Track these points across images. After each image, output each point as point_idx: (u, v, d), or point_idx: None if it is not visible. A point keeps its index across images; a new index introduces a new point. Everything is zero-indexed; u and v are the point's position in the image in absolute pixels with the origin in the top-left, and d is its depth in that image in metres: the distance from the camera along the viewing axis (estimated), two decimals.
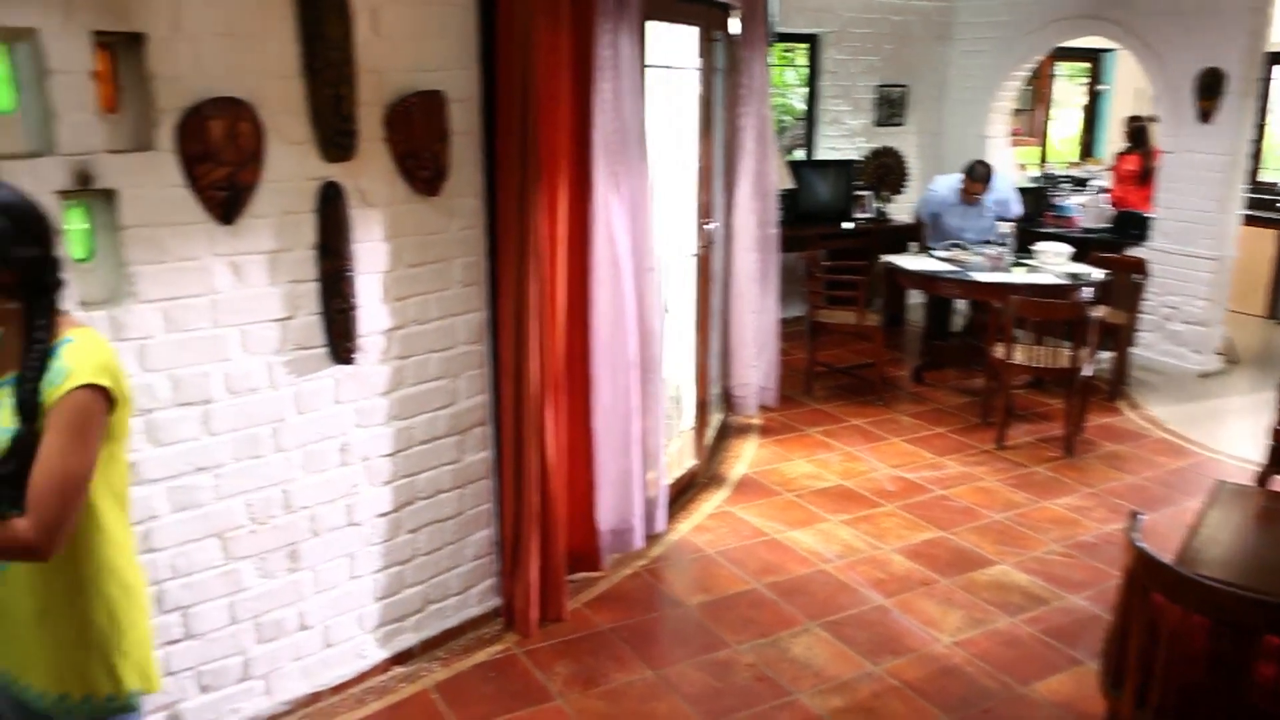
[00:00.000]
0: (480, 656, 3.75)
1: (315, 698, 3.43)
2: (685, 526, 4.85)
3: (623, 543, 4.26)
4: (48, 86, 2.57)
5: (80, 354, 1.88)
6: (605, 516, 4.16)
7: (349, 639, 3.49)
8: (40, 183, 2.58)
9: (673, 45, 4.86)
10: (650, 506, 4.43)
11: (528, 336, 3.53)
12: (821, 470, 5.58)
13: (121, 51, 2.76)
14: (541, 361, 3.61)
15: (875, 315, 6.77)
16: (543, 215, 3.50)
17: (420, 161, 3.27)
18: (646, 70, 4.05)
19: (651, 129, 4.08)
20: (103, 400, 1.88)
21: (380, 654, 3.59)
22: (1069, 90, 11.95)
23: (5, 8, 2.45)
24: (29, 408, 1.83)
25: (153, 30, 2.71)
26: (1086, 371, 5.78)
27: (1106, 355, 6.79)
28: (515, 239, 3.46)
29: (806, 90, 8.79)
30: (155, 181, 2.77)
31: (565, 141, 3.61)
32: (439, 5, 3.31)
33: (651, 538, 4.54)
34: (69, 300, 2.65)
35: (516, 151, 3.39)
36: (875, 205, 8.66)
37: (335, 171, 3.10)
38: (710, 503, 5.15)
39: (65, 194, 2.64)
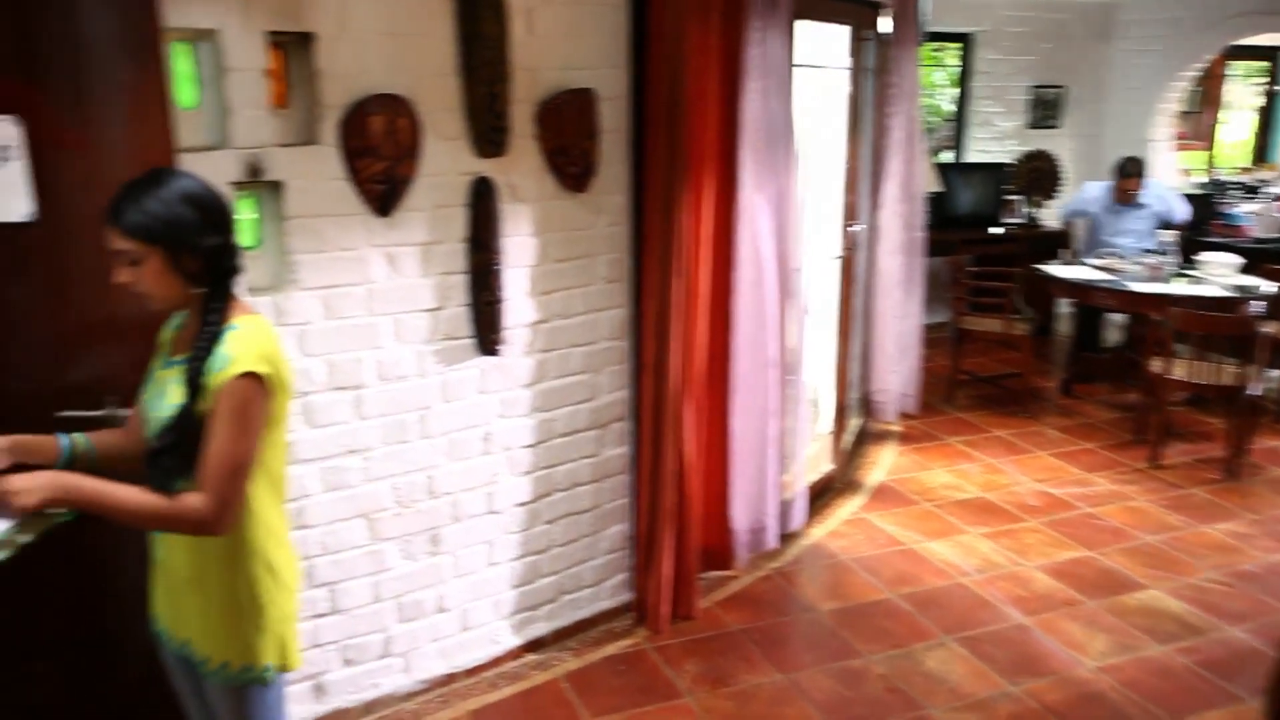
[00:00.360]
0: (611, 649, 3.78)
1: (450, 678, 3.52)
2: (820, 531, 4.79)
3: (756, 543, 4.23)
4: (226, 84, 2.72)
5: (243, 342, 1.97)
6: (739, 516, 4.14)
7: (484, 624, 3.57)
8: (216, 174, 2.72)
9: (822, 44, 4.80)
10: (785, 509, 4.39)
11: (669, 333, 3.55)
12: (962, 481, 5.43)
13: (292, 50, 2.90)
14: (682, 359, 3.62)
15: (1023, 324, 6.54)
16: (688, 213, 3.51)
17: (570, 158, 3.32)
18: (795, 70, 4.01)
19: (798, 129, 4.03)
20: (261, 387, 1.96)
21: (513, 640, 3.66)
22: (1242, 91, 11.29)
23: (191, 10, 2.60)
24: (193, 386, 1.94)
25: (322, 30, 2.83)
26: (1254, 390, 5.45)
27: (1277, 374, 6.40)
28: (660, 236, 3.48)
29: (956, 91, 8.56)
30: (319, 174, 2.89)
31: (712, 140, 3.61)
32: (592, 5, 3.35)
33: (785, 540, 4.51)
34: (240, 286, 2.82)
35: (664, 150, 3.41)
36: (1026, 210, 8.37)
37: (487, 167, 3.18)
38: (846, 508, 5.07)
39: (238, 185, 2.79)
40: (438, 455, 3.29)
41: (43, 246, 2.37)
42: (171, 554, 2.09)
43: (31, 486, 1.82)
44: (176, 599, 2.13)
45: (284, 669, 2.16)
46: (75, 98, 2.32)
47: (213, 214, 1.98)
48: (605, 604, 3.91)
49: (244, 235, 2.83)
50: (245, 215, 2.91)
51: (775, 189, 3.90)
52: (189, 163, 2.68)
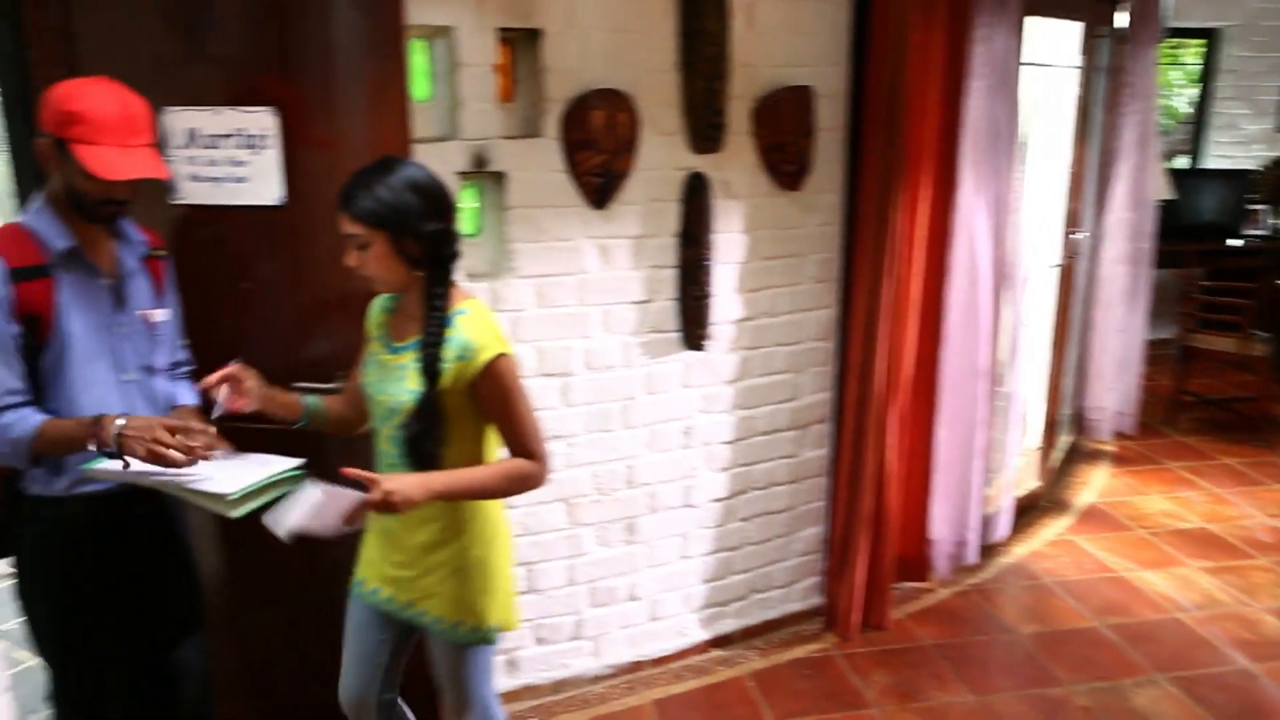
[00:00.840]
0: (798, 652, 3.74)
1: (637, 666, 3.56)
2: (1022, 550, 4.59)
3: (955, 557, 4.09)
4: (457, 78, 2.84)
5: (478, 327, 2.09)
6: (938, 528, 4.01)
7: (673, 615, 3.59)
8: (445, 164, 2.85)
9: (1052, 42, 4.57)
10: (987, 523, 4.23)
11: (877, 337, 3.47)
12: (1182, 509, 5.08)
13: (520, 46, 3.00)
14: (888, 363, 3.54)
15: (1261, 345, 6.05)
16: (903, 215, 3.42)
17: (785, 156, 3.29)
18: (1021, 68, 3.84)
19: (1022, 130, 3.86)
20: (512, 362, 2.13)
21: (701, 634, 3.67)
22: None
23: (430, 8, 2.72)
24: (432, 372, 2.06)
25: (549, 27, 2.91)
26: None
27: None
28: (873, 237, 3.41)
29: (1195, 91, 7.98)
30: (539, 166, 2.98)
31: (931, 141, 3.50)
32: (814, 1, 3.31)
33: (985, 556, 4.33)
34: (459, 272, 2.94)
35: (880, 149, 3.33)
36: (1271, 222, 7.72)
37: (702, 163, 3.19)
38: (1051, 529, 4.83)
39: (463, 175, 2.91)
40: (638, 446, 3.33)
41: (288, 230, 2.54)
42: (406, 524, 2.20)
43: (409, 492, 1.98)
44: (409, 566, 2.23)
45: (505, 629, 2.32)
46: (323, 92, 2.47)
47: (436, 202, 2.07)
48: (795, 606, 3.87)
49: (466, 223, 2.97)
50: (468, 204, 3.04)
51: (995, 192, 3.75)
52: (421, 153, 2.82)
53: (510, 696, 3.35)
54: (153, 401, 2.27)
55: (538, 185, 2.98)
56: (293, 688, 2.88)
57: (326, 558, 2.75)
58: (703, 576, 3.61)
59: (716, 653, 3.71)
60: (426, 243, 2.06)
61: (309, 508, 1.94)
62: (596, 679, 3.49)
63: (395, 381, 2.12)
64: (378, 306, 2.29)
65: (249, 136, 2.44)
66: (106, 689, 2.32)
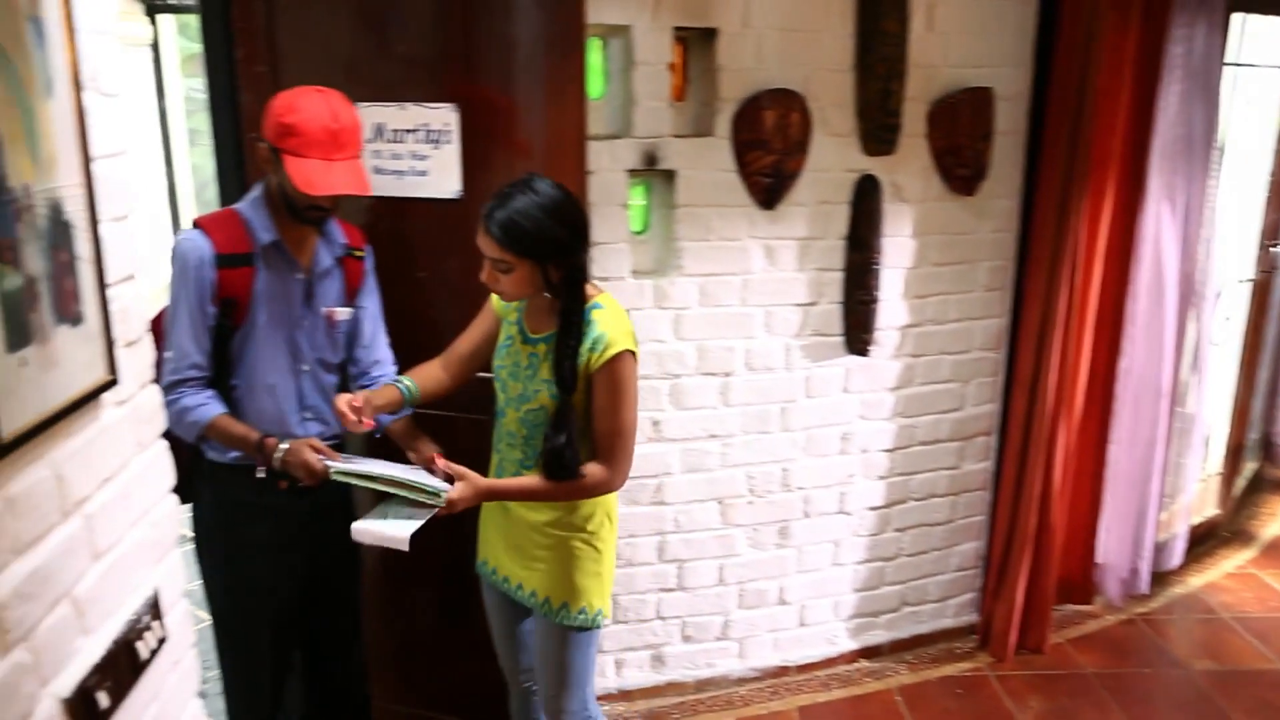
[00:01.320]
0: (949, 670, 3.64)
1: (782, 671, 3.54)
2: (1197, 581, 4.33)
3: (1122, 585, 3.91)
4: (632, 76, 2.86)
5: (611, 321, 2.12)
6: (1105, 551, 3.84)
7: (822, 623, 3.55)
8: (615, 161, 2.89)
9: (1259, 39, 4.28)
10: (1159, 551, 4.02)
11: (1050, 349, 3.34)
12: None
13: (693, 45, 3.00)
14: (1061, 376, 3.40)
15: None
16: (1083, 222, 3.27)
17: (960, 159, 3.20)
18: (1225, 69, 3.61)
19: (1220, 135, 3.64)
20: (634, 361, 2.14)
21: (849, 644, 3.62)
22: None
23: (607, 7, 2.76)
24: (569, 377, 2.09)
25: (724, 26, 2.90)
26: None
27: None
28: (1049, 246, 3.27)
29: None
30: (709, 165, 2.98)
31: (1118, 146, 3.34)
32: (999, 0, 3.19)
33: (1156, 585, 4.12)
34: (621, 270, 2.97)
35: (1063, 154, 3.19)
36: None
37: (873, 165, 3.13)
38: (1231, 560, 4.54)
39: (633, 172, 2.93)
40: (795, 449, 3.30)
41: (463, 223, 2.61)
42: (525, 505, 2.26)
43: (467, 498, 2.12)
44: (523, 545, 2.29)
45: (605, 617, 2.33)
46: (504, 89, 2.53)
47: (579, 229, 2.11)
48: (948, 622, 3.77)
49: (632, 220, 2.99)
50: (636, 201, 3.06)
51: (1186, 200, 3.55)
52: (593, 150, 2.87)
53: (654, 692, 3.38)
54: (324, 393, 2.38)
55: (706, 184, 2.98)
56: (446, 665, 2.97)
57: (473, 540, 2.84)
58: (854, 585, 3.55)
59: (864, 663, 3.64)
60: (568, 269, 2.08)
61: (391, 540, 2.13)
62: (741, 681, 3.48)
63: (529, 370, 2.17)
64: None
65: (431, 131, 2.52)
66: (261, 650, 2.46)
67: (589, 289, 2.16)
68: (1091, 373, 3.60)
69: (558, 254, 2.05)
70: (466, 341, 2.36)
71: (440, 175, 2.54)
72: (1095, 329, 3.56)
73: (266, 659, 2.47)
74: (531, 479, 2.17)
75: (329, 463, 2.19)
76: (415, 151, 2.55)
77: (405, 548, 2.11)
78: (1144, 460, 3.73)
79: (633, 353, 2.13)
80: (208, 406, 2.21)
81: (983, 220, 3.36)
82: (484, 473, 2.25)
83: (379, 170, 2.58)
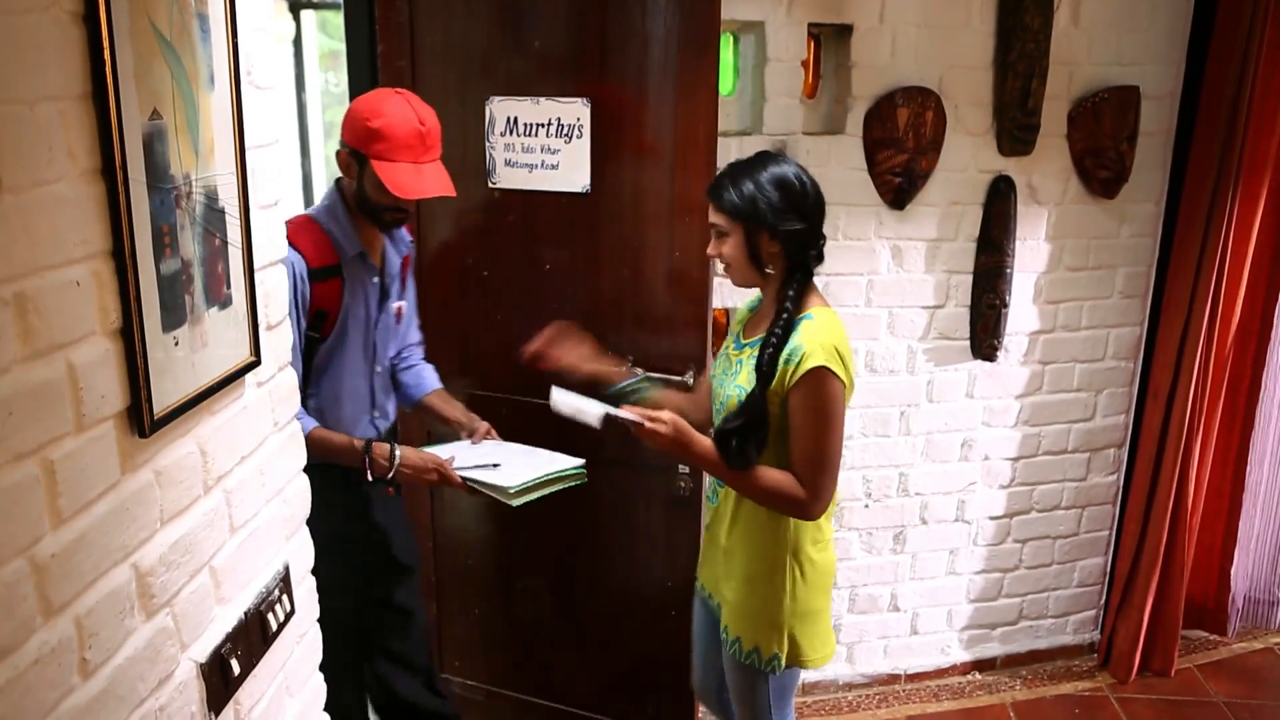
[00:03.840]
0: (1066, 688, 3.52)
1: (892, 679, 3.48)
2: None
3: (1257, 614, 3.73)
4: (763, 73, 2.84)
5: (816, 334, 1.97)
6: (1240, 577, 3.66)
7: (935, 632, 3.48)
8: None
9: None
10: None
11: (1189, 360, 3.19)
12: None
13: (826, 42, 2.96)
14: (1199, 390, 3.24)
15: None
16: (1232, 230, 3.12)
17: (1101, 161, 3.08)
18: None
19: None
20: (837, 381, 1.96)
21: (962, 655, 3.53)
22: None
23: (742, 4, 2.75)
24: (765, 372, 1.99)
25: (859, 22, 2.86)
26: None
27: None
28: (1194, 253, 3.13)
29: None
30: (839, 163, 2.94)
31: (1275, 150, 3.16)
32: None
33: None
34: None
35: (1214, 157, 3.04)
36: None
37: (1009, 165, 3.04)
38: None
39: None
40: (914, 454, 3.24)
41: (589, 216, 2.63)
42: (719, 524, 2.21)
43: (662, 428, 1.99)
44: (718, 565, 2.23)
45: (797, 664, 2.15)
46: (636, 86, 2.53)
47: (798, 200, 2.00)
48: (1066, 639, 3.65)
49: None
50: None
51: None
52: (723, 146, 2.84)
53: None
54: (386, 390, 2.42)
55: (836, 182, 2.93)
56: (556, 654, 3.00)
57: (588, 542, 2.87)
58: (970, 595, 3.47)
59: (976, 676, 3.56)
60: (783, 241, 2.00)
61: (584, 415, 2.04)
62: (849, 686, 3.44)
63: (731, 376, 2.10)
64: (745, 306, 2.30)
65: (564, 126, 2.54)
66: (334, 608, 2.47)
67: (814, 297, 2.07)
68: (1231, 387, 3.44)
69: (769, 219, 1.97)
70: (707, 371, 2.34)
71: (570, 169, 2.56)
72: (1239, 340, 3.39)
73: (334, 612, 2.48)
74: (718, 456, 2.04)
75: (460, 470, 2.20)
76: (547, 145, 2.57)
77: (598, 425, 2.01)
78: None
79: (834, 373, 1.95)
80: (304, 419, 2.16)
81: (1123, 224, 3.23)
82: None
83: (510, 163, 2.61)
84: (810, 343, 1.95)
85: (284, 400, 1.73)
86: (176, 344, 1.28)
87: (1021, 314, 3.19)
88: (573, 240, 2.66)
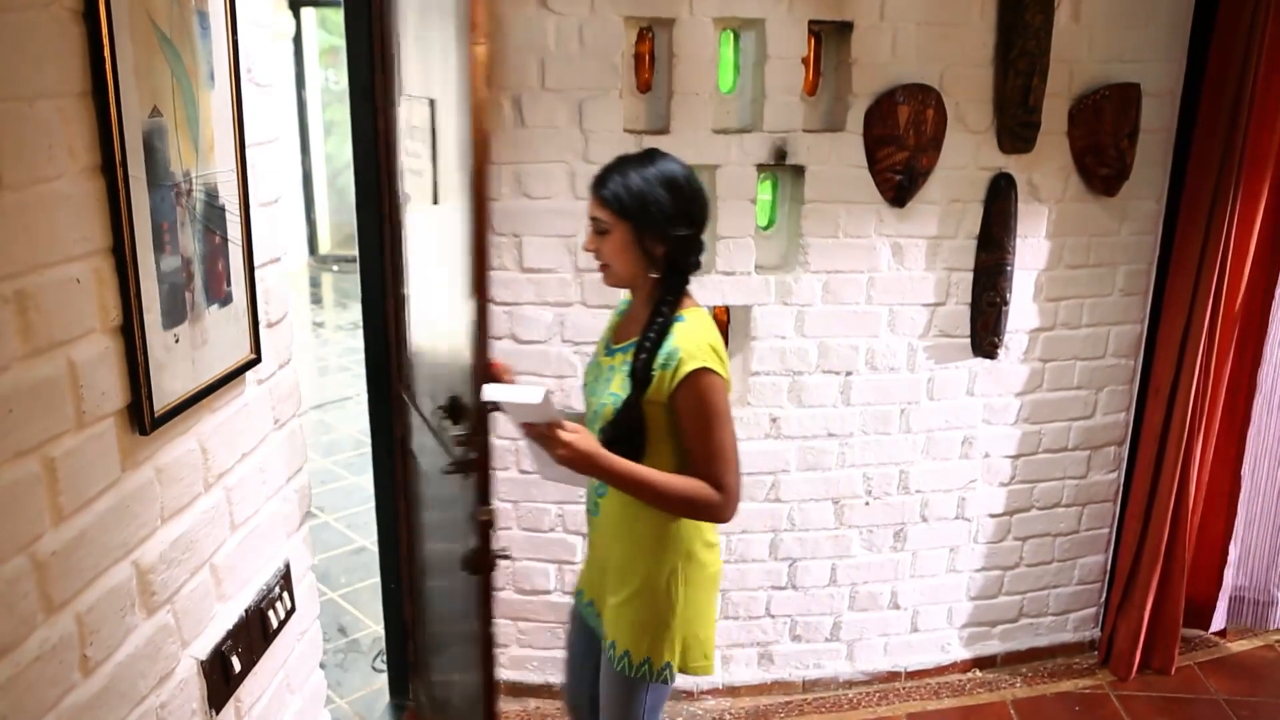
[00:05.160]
0: (1066, 685, 3.52)
1: (892, 676, 3.47)
2: None
3: (1253, 615, 3.73)
4: (764, 70, 2.84)
5: (692, 336, 1.93)
6: (1234, 575, 3.65)
7: (935, 630, 3.48)
8: (745, 156, 2.87)
9: None
10: None
11: (1191, 359, 3.19)
12: None
13: (827, 39, 2.96)
14: (1199, 388, 3.24)
15: None
16: (1233, 228, 3.11)
17: (1102, 158, 3.07)
18: None
19: None
20: (719, 380, 1.93)
21: (962, 653, 3.53)
22: None
23: (742, 1, 2.74)
24: (640, 379, 1.92)
25: (860, 19, 2.85)
26: None
27: None
28: (1195, 250, 3.13)
29: None
30: (839, 160, 2.93)
31: (1277, 147, 3.15)
32: None
33: None
34: (746, 265, 2.95)
35: (1216, 154, 3.04)
36: None
37: (1009, 163, 3.04)
38: None
39: (761, 167, 2.91)
40: (915, 452, 3.24)
41: None
42: (603, 536, 2.12)
43: (570, 443, 1.86)
44: (601, 578, 2.15)
45: (686, 671, 2.10)
46: None
47: (687, 203, 1.95)
48: (1067, 636, 3.65)
49: (757, 215, 2.96)
50: (762, 196, 3.03)
51: None
52: (720, 144, 2.86)
53: (761, 690, 3.36)
54: None
55: (836, 180, 2.94)
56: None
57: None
58: (970, 593, 3.46)
59: (977, 673, 3.55)
60: (669, 244, 1.95)
61: (520, 396, 1.85)
62: (849, 683, 3.44)
63: (604, 383, 2.04)
64: (615, 312, 2.22)
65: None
66: None
67: (687, 300, 2.02)
68: (1232, 384, 3.43)
69: (658, 223, 1.92)
70: None
71: None
72: (1239, 338, 3.39)
73: None
74: (654, 471, 1.94)
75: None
76: None
77: (539, 399, 1.84)
78: None
79: (715, 372, 1.92)
80: None
81: (1123, 222, 3.22)
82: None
83: None
84: (687, 345, 1.91)
85: (285, 398, 1.73)
86: (177, 341, 1.28)
87: (1022, 311, 3.19)
88: None
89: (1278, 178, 3.23)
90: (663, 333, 1.93)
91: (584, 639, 2.29)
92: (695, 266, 2.02)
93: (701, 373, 1.90)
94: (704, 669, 2.12)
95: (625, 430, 1.95)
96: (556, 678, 3.17)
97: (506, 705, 3.23)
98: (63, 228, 1.07)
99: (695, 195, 1.97)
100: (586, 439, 1.89)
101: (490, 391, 1.86)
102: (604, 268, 2.02)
